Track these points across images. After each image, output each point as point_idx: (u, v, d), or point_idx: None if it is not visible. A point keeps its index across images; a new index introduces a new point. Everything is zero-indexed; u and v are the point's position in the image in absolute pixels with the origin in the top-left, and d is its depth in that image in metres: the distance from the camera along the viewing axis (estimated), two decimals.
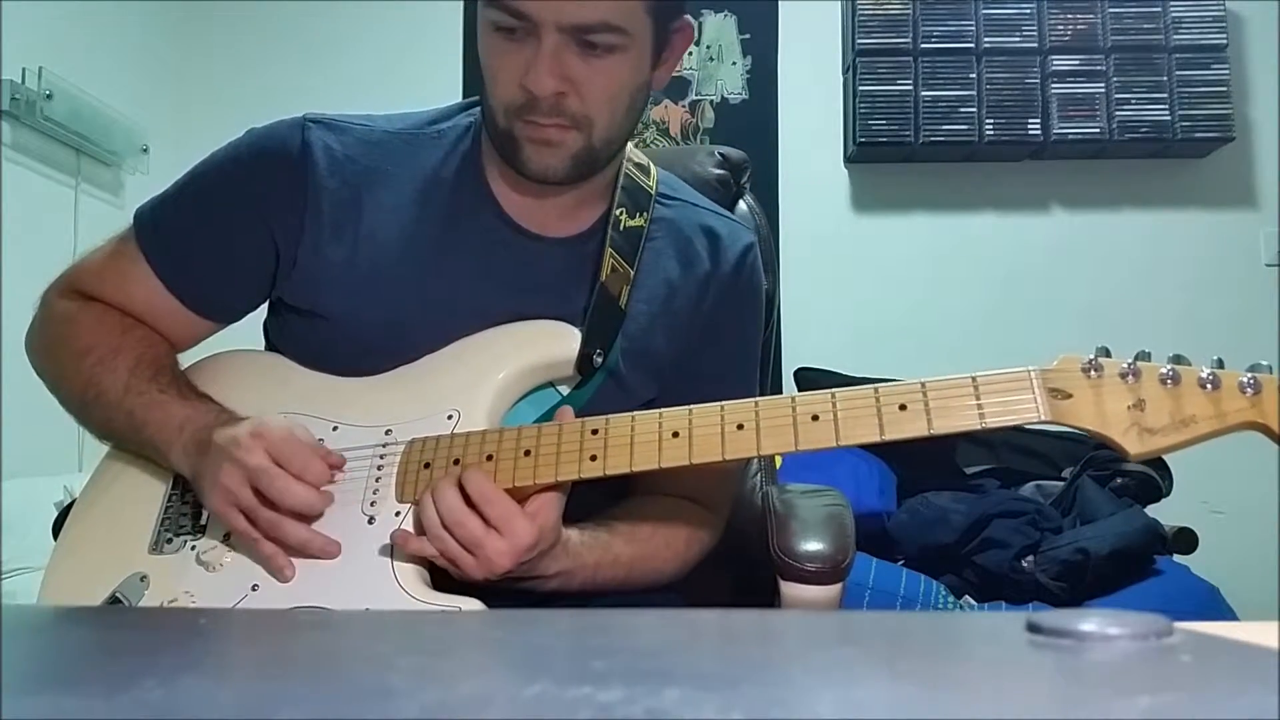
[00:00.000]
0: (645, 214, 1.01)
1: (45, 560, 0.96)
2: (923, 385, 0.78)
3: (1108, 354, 0.77)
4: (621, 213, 0.99)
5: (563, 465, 0.83)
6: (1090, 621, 0.36)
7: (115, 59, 2.82)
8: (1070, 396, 0.76)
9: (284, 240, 0.95)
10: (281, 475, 0.83)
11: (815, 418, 0.79)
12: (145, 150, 2.82)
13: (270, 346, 1.06)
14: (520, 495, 0.84)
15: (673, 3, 0.91)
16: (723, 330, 1.04)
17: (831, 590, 1.12)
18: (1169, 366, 0.74)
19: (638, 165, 1.04)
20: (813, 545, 1.13)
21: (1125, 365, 0.75)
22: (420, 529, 0.85)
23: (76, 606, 0.83)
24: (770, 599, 1.15)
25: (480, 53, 0.90)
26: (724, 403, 0.82)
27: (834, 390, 0.80)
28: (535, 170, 0.90)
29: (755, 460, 1.42)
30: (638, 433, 0.83)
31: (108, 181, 2.72)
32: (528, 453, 0.84)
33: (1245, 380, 0.72)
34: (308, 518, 0.86)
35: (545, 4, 0.83)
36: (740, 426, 0.81)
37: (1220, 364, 0.74)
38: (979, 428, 0.77)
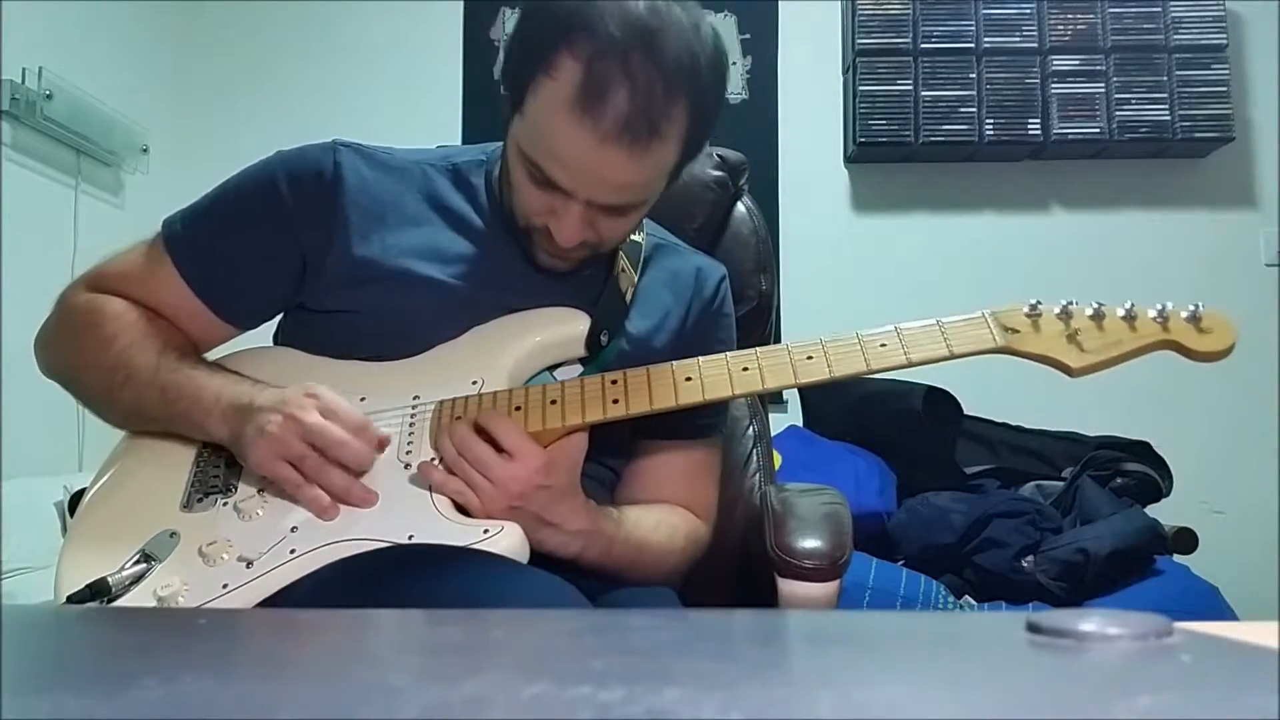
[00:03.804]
0: (643, 232, 1.11)
1: (45, 560, 0.96)
2: (896, 328, 0.91)
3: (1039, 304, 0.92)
4: None
5: (588, 408, 0.92)
6: (1090, 621, 0.36)
7: (115, 59, 2.82)
8: (1018, 331, 0.91)
9: (313, 253, 1.01)
10: (340, 431, 0.88)
11: (809, 357, 0.91)
12: (145, 150, 2.82)
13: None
14: (546, 440, 0.90)
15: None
16: (706, 344, 1.10)
17: (829, 587, 1.12)
18: (1094, 305, 0.92)
19: None
20: (810, 542, 1.13)
21: (1059, 308, 0.92)
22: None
23: (77, 607, 0.83)
24: (769, 597, 1.15)
25: (508, 158, 0.96)
26: (728, 352, 0.94)
27: (821, 337, 0.92)
28: (544, 267, 1.00)
29: (754, 459, 1.43)
30: (654, 379, 0.93)
31: (108, 181, 2.72)
32: (554, 401, 0.93)
33: (1156, 310, 0.92)
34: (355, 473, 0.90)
35: (580, 185, 0.90)
36: (745, 369, 0.92)
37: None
38: (947, 355, 0.89)
